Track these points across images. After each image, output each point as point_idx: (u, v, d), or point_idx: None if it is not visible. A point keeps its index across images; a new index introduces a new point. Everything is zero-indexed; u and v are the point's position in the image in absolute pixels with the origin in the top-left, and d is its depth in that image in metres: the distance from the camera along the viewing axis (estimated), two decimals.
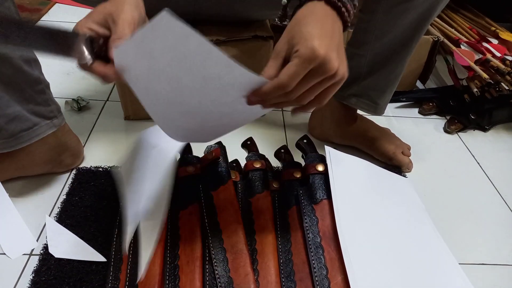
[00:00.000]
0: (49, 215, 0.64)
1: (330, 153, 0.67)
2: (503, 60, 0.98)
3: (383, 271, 0.55)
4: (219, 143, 0.68)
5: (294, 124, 0.93)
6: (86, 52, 0.43)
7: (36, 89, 0.60)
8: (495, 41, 1.07)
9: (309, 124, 0.90)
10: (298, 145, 0.75)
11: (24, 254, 0.59)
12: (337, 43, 0.43)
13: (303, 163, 0.70)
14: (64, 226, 0.62)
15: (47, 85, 0.63)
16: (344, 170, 0.66)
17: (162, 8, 0.65)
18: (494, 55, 0.99)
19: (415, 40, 0.70)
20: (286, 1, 0.50)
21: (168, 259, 0.55)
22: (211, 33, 0.79)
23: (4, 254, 0.59)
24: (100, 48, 0.44)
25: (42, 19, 1.27)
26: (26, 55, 0.57)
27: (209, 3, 0.77)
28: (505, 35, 1.09)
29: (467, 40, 1.07)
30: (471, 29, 1.14)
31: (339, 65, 0.42)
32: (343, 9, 0.44)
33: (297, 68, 0.40)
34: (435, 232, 0.66)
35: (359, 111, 0.83)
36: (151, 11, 0.64)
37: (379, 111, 0.79)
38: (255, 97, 0.43)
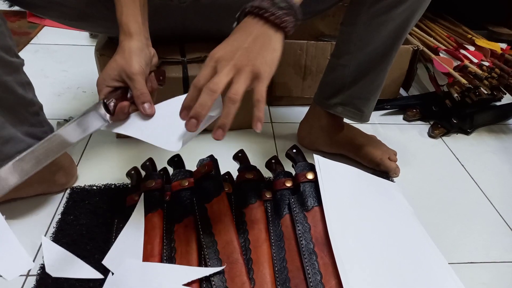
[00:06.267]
0: (45, 235, 0.65)
1: (319, 161, 0.69)
2: (480, 66, 1.02)
3: (375, 273, 0.57)
4: (211, 156, 0.70)
5: (284, 135, 0.95)
6: (108, 116, 0.55)
7: (30, 111, 0.61)
8: (472, 48, 1.11)
9: (298, 134, 0.92)
10: (288, 155, 0.77)
11: (21, 275, 0.59)
12: (253, 47, 0.48)
13: (293, 172, 0.72)
14: (60, 245, 0.62)
15: (40, 107, 0.64)
16: (333, 177, 0.68)
17: (152, 28, 0.67)
18: (471, 61, 1.04)
19: (395, 49, 0.73)
20: (236, 23, 0.53)
21: None
22: (200, 49, 0.82)
23: (1, 276, 0.59)
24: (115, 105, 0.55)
25: (31, 42, 1.28)
26: (20, 78, 0.59)
27: (197, 21, 0.80)
28: (481, 42, 1.14)
29: (445, 48, 1.11)
30: (449, 37, 1.19)
31: (243, 60, 0.47)
32: (271, 17, 0.48)
33: (203, 68, 0.48)
34: (424, 234, 0.68)
35: (345, 120, 0.86)
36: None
37: (364, 118, 0.82)
38: (192, 119, 0.46)
